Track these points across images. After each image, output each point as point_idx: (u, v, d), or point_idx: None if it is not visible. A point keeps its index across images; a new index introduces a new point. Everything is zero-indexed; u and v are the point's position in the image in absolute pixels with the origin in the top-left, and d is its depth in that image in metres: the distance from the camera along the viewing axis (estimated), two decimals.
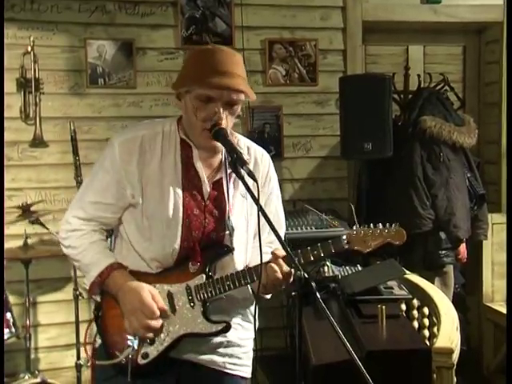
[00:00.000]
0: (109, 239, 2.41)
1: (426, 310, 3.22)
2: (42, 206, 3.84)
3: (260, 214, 1.93)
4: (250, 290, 2.26)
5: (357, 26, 4.46)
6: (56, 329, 4.07)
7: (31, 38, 3.84)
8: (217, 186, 2.19)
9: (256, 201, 1.94)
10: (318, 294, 1.93)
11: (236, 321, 2.25)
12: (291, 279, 2.12)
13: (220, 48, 2.11)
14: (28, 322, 3.66)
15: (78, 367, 3.83)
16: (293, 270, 2.09)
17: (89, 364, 2.21)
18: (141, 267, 2.15)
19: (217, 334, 2.15)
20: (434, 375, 2.55)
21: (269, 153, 4.18)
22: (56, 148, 4.02)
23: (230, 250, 2.17)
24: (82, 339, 3.83)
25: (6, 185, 3.94)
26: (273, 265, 2.08)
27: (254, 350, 4.18)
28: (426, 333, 3.18)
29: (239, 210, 2.20)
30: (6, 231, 3.74)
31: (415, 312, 3.29)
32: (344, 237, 2.19)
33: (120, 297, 2.10)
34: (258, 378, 3.35)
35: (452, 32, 4.82)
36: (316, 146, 4.43)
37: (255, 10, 4.29)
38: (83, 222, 2.17)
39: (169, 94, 4.10)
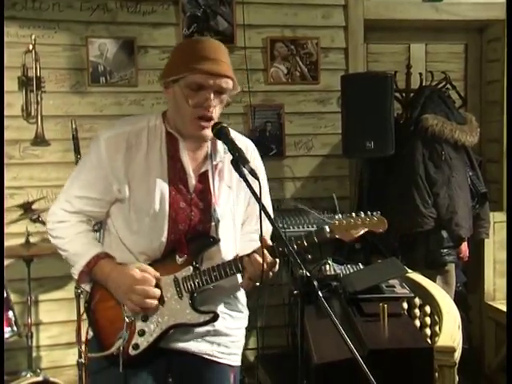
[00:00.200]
0: (97, 233, 2.43)
1: (427, 309, 3.22)
2: (44, 205, 3.81)
3: (259, 211, 1.95)
4: (239, 280, 2.28)
5: (358, 24, 4.46)
6: (58, 327, 4.07)
7: (33, 37, 3.83)
8: (202, 178, 2.23)
9: (258, 200, 1.96)
10: (320, 293, 1.95)
11: (224, 310, 2.30)
12: (276, 268, 2.19)
13: (206, 38, 2.16)
14: (30, 320, 3.65)
15: (80, 365, 3.83)
16: (277, 260, 2.16)
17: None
18: (128, 260, 2.19)
19: (205, 324, 2.21)
20: (436, 374, 2.55)
21: (270, 151, 4.35)
22: (57, 146, 4.02)
23: (216, 240, 2.21)
24: (84, 337, 3.86)
25: (8, 183, 3.94)
26: (257, 256, 2.12)
27: (255, 349, 4.20)
28: (428, 331, 3.18)
29: (225, 201, 2.24)
30: (8, 229, 3.74)
31: (417, 311, 3.29)
32: (327, 226, 2.23)
33: (110, 283, 2.16)
34: (259, 377, 3.34)
35: (454, 30, 4.81)
36: (317, 145, 4.43)
37: (257, 8, 4.28)
38: (70, 214, 2.22)
39: None
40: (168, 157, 2.19)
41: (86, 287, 2.25)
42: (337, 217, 2.31)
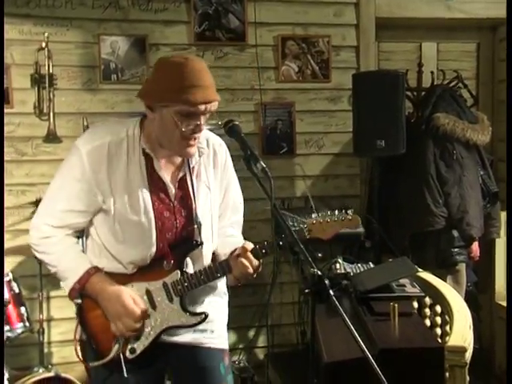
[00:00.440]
0: (79, 239, 2.40)
1: (438, 308, 3.21)
2: None
3: (271, 210, 2.03)
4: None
5: (370, 22, 4.45)
6: (68, 323, 4.06)
7: (45, 34, 3.85)
8: (181, 183, 2.28)
9: (270, 198, 2.02)
10: (331, 292, 1.95)
11: (210, 299, 2.39)
12: (260, 269, 2.26)
13: (188, 59, 2.12)
14: (41, 316, 3.67)
15: None
16: (260, 261, 2.25)
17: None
18: (116, 268, 2.24)
19: (196, 324, 2.29)
20: (447, 374, 2.54)
21: (281, 149, 4.36)
22: (69, 143, 3.94)
23: (200, 243, 2.28)
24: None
25: (20, 180, 3.97)
26: (243, 260, 2.20)
27: (265, 347, 4.21)
28: (438, 331, 3.17)
29: (204, 202, 2.30)
30: (20, 226, 3.76)
31: (427, 310, 3.28)
32: (305, 226, 2.29)
33: (101, 301, 2.21)
34: (269, 375, 3.35)
35: (466, 29, 4.79)
36: (328, 143, 4.43)
37: (268, 6, 4.28)
38: (55, 229, 2.22)
39: None
40: (146, 168, 2.21)
41: (78, 301, 2.25)
42: (313, 216, 2.32)
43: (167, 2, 4.14)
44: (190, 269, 2.29)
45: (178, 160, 2.27)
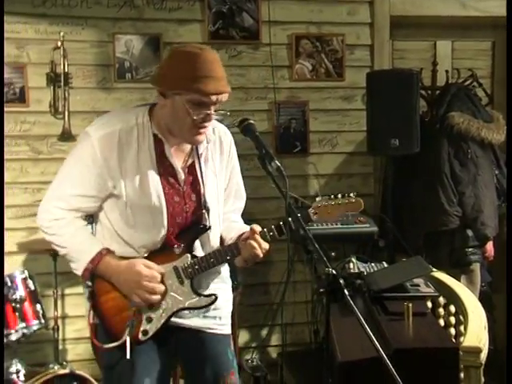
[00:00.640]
0: (89, 225, 2.46)
1: (452, 308, 3.20)
2: None
3: (285, 207, 2.09)
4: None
5: (384, 20, 4.44)
6: (83, 321, 4.08)
7: (61, 33, 3.88)
8: (191, 169, 2.35)
9: (285, 196, 2.06)
10: (346, 291, 1.96)
11: (217, 286, 2.45)
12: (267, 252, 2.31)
13: (203, 49, 2.18)
14: (56, 313, 3.69)
15: None
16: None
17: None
18: (127, 253, 2.29)
19: (207, 306, 2.37)
20: (462, 374, 2.53)
21: (294, 148, 4.35)
22: None
23: (209, 228, 2.35)
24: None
25: (36, 178, 3.99)
26: (252, 242, 2.26)
27: (278, 346, 4.22)
28: (452, 331, 3.16)
29: (212, 188, 2.38)
30: (35, 224, 3.75)
31: (441, 310, 3.27)
32: (311, 209, 2.34)
33: (116, 278, 2.25)
34: (283, 375, 3.35)
35: (481, 27, 4.76)
36: (342, 142, 4.42)
37: (282, 4, 4.28)
38: (66, 212, 2.26)
39: None
40: (156, 154, 2.27)
41: (89, 283, 2.30)
42: (317, 199, 2.37)
43: (181, 1, 4.15)
44: (198, 252, 2.35)
45: (187, 147, 2.33)
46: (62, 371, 3.24)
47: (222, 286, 2.49)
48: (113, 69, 4.09)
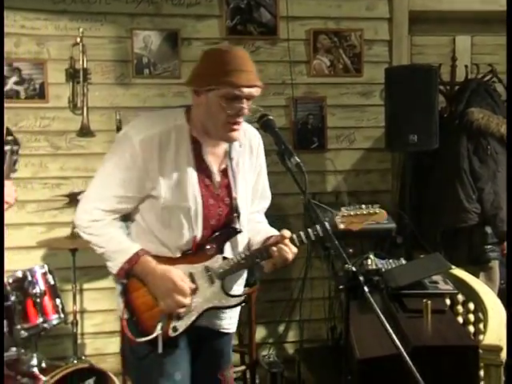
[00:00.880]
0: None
1: (471, 306, 3.18)
2: None
3: (306, 203, 2.12)
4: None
5: (403, 15, 4.41)
6: (101, 315, 4.15)
7: (80, 30, 3.91)
8: (224, 173, 2.39)
9: (304, 192, 2.10)
10: (366, 289, 1.95)
11: (239, 287, 2.51)
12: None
13: (232, 47, 2.35)
14: (75, 308, 3.73)
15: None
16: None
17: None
18: (161, 252, 2.34)
19: (236, 306, 2.45)
20: (482, 372, 2.52)
21: (312, 144, 4.35)
22: (102, 137, 4.07)
23: (239, 231, 2.41)
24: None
25: (55, 173, 4.03)
26: (283, 247, 2.31)
27: (296, 342, 4.19)
28: (471, 328, 3.15)
29: (242, 192, 2.43)
30: (55, 219, 3.80)
31: (460, 307, 3.25)
32: (338, 218, 2.43)
33: (150, 281, 2.30)
34: (301, 371, 3.36)
35: (501, 21, 4.69)
36: (360, 138, 4.41)
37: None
38: (105, 213, 2.30)
39: None
40: (194, 157, 2.32)
41: (124, 281, 2.34)
42: (343, 209, 2.47)
43: None
44: (227, 253, 2.40)
45: (221, 151, 2.38)
46: (82, 365, 3.25)
47: (241, 287, 2.53)
48: (131, 64, 4.10)
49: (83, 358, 3.63)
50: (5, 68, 3.92)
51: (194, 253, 2.36)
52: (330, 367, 3.23)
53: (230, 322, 2.53)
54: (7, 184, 2.20)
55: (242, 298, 2.45)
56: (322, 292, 4.04)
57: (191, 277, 2.34)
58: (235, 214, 2.39)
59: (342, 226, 2.42)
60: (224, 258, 2.38)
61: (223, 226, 2.39)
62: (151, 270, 2.29)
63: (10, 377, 3.10)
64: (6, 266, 3.54)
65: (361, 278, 1.99)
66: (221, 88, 2.18)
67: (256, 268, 2.51)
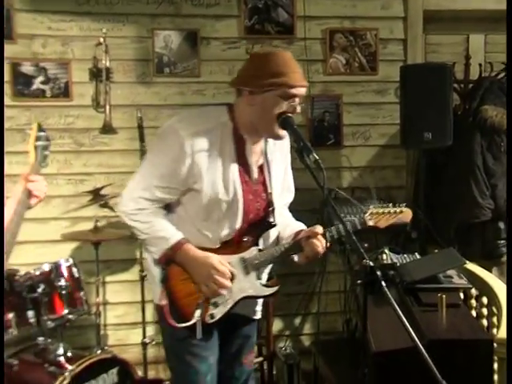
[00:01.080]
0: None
1: (484, 300, 3.17)
2: (111, 190, 3.90)
3: (324, 199, 2.18)
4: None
5: (418, 15, 4.39)
6: (123, 307, 4.18)
7: (103, 30, 3.90)
8: (260, 170, 2.48)
9: (322, 188, 2.15)
10: (383, 283, 1.96)
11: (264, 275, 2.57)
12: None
13: (280, 51, 2.45)
14: (98, 299, 3.75)
15: (144, 345, 3.93)
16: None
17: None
18: (201, 242, 2.40)
19: (270, 296, 2.54)
20: (496, 366, 2.51)
21: (328, 141, 4.34)
22: (124, 135, 4.09)
23: (274, 225, 2.50)
24: (147, 318, 3.97)
25: (78, 169, 4.05)
26: (315, 241, 2.41)
27: (312, 334, 4.17)
28: (485, 322, 3.13)
29: (276, 188, 2.51)
30: (78, 213, 3.83)
31: (473, 301, 3.24)
32: (367, 215, 2.57)
33: (191, 267, 2.37)
34: (317, 363, 3.36)
35: None
36: (375, 135, 4.40)
37: None
38: (150, 202, 2.36)
39: None
40: (236, 153, 2.38)
41: (164, 266, 2.41)
42: (371, 207, 2.62)
43: None
44: (260, 246, 2.48)
45: (259, 148, 2.46)
46: (105, 356, 3.28)
47: (265, 276, 2.58)
48: (152, 63, 4.11)
49: (106, 348, 3.66)
50: (32, 68, 3.96)
51: (231, 244, 2.43)
52: (345, 359, 3.23)
53: (258, 309, 2.63)
54: (38, 179, 2.21)
55: (276, 288, 2.51)
56: (337, 285, 4.05)
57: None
58: (270, 209, 2.47)
59: (370, 223, 2.55)
60: (259, 250, 2.46)
61: (259, 220, 2.47)
62: (192, 257, 2.36)
63: (38, 364, 3.15)
64: (33, 259, 3.62)
65: (378, 273, 2.00)
66: (278, 88, 2.27)
67: (287, 261, 2.53)
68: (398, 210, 2.64)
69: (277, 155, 2.52)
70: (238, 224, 2.41)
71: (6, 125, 3.96)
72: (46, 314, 3.15)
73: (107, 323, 4.15)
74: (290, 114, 2.32)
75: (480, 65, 4.42)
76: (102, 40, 3.90)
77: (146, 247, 2.46)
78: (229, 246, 2.43)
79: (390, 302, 1.92)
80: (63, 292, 3.23)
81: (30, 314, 3.11)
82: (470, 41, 4.72)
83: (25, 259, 3.42)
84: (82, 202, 3.75)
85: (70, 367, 3.07)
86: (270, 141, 2.47)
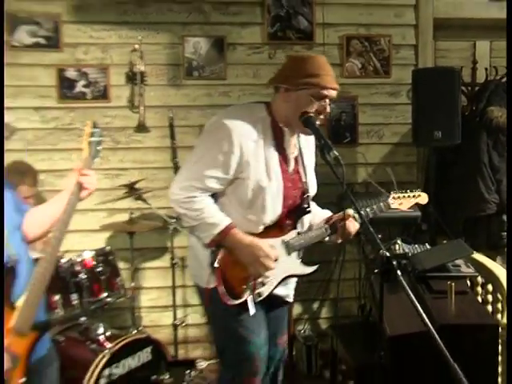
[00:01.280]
0: None
1: (489, 287, 3.17)
2: (144, 184, 3.93)
3: (344, 192, 2.21)
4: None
5: (428, 22, 4.37)
6: (156, 292, 4.22)
7: (139, 38, 3.96)
8: (296, 161, 2.52)
9: (341, 183, 2.16)
10: (399, 272, 1.98)
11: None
12: None
13: (316, 55, 2.44)
14: (133, 284, 3.79)
15: (175, 326, 3.98)
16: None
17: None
18: (246, 227, 2.42)
19: (311, 274, 2.58)
20: (500, 349, 2.52)
21: (344, 139, 4.35)
22: (156, 133, 4.13)
23: (309, 211, 2.56)
24: (177, 302, 4.02)
25: (115, 165, 4.09)
26: (349, 223, 2.50)
27: (329, 318, 4.17)
28: (490, 308, 3.14)
29: (309, 177, 2.57)
30: (115, 205, 3.87)
31: (479, 288, 3.24)
32: (391, 199, 2.68)
33: (239, 250, 2.39)
34: (334, 345, 3.38)
35: None
36: (388, 134, 4.40)
37: (334, 8, 4.25)
38: (200, 191, 2.38)
39: (254, 85, 4.17)
40: (276, 145, 2.42)
41: (213, 249, 2.43)
42: (392, 192, 2.73)
43: (243, 6, 4.17)
44: (298, 229, 2.54)
45: (294, 142, 2.50)
46: (140, 336, 3.33)
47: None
48: (182, 68, 4.13)
49: (140, 328, 3.69)
50: (75, 73, 4.01)
51: (273, 228, 2.46)
52: (360, 341, 3.25)
53: (292, 293, 2.66)
54: (90, 173, 2.23)
55: (316, 267, 2.56)
56: (352, 273, 4.06)
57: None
58: (306, 196, 2.53)
59: (393, 206, 2.65)
60: (298, 234, 2.51)
61: (297, 206, 2.51)
62: (240, 241, 2.38)
63: (81, 342, 3.22)
64: (74, 247, 3.66)
65: (394, 263, 2.02)
66: (311, 88, 2.32)
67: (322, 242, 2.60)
68: (416, 193, 2.73)
69: (307, 152, 2.57)
70: (279, 209, 2.43)
71: (52, 124, 4.04)
72: (88, 297, 3.20)
73: (141, 306, 4.19)
74: (312, 114, 2.34)
75: (486, 69, 4.41)
76: (137, 46, 3.96)
77: (195, 233, 2.45)
78: (271, 230, 2.45)
79: (405, 290, 1.94)
80: (102, 277, 3.29)
81: (74, 296, 3.17)
82: (477, 47, 4.69)
83: (68, 247, 3.47)
84: (118, 195, 3.78)
85: (109, 345, 3.13)
86: (302, 137, 2.51)
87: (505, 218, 3.95)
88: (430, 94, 3.83)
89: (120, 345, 3.13)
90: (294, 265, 2.52)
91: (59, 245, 2.10)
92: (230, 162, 2.33)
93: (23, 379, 2.04)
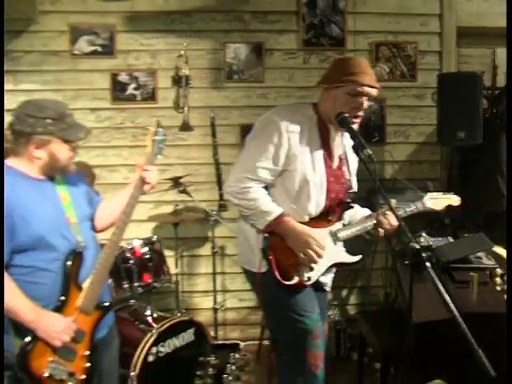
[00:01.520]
0: None
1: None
2: (188, 179, 3.96)
3: (376, 188, 2.18)
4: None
5: (452, 30, 4.32)
6: (197, 278, 4.26)
7: (184, 44, 3.99)
8: (340, 158, 2.51)
9: (374, 180, 2.15)
10: (428, 264, 1.97)
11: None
12: None
13: (357, 57, 2.45)
14: (177, 270, 3.83)
15: (215, 310, 4.01)
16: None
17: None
18: (292, 217, 2.40)
19: (356, 263, 2.56)
20: None
21: (373, 138, 4.33)
22: (199, 132, 4.16)
23: (352, 206, 2.57)
24: (217, 287, 4.05)
25: (161, 161, 3.97)
26: (390, 217, 2.46)
27: (357, 304, 4.15)
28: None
29: (351, 174, 2.55)
30: (161, 198, 3.90)
31: (498, 279, 3.19)
32: (427, 199, 2.65)
33: (291, 237, 2.38)
34: (361, 330, 3.38)
35: None
36: (414, 134, 4.36)
37: (365, 17, 4.23)
38: (253, 182, 2.37)
39: (290, 88, 4.17)
40: (321, 142, 2.41)
41: (266, 235, 2.41)
42: (428, 193, 2.73)
43: (280, 15, 4.17)
44: (344, 221, 2.54)
45: (339, 141, 2.50)
46: (184, 318, 3.35)
47: None
48: (223, 71, 4.15)
49: (184, 311, 3.74)
50: (126, 77, 4.07)
51: (319, 219, 2.45)
52: (385, 326, 3.24)
53: (330, 282, 2.66)
54: (152, 168, 2.28)
55: (361, 256, 2.56)
56: (379, 263, 4.04)
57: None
58: (349, 191, 2.52)
59: (430, 206, 2.64)
60: (343, 225, 2.52)
61: (340, 200, 2.50)
62: (293, 228, 2.37)
63: (131, 322, 3.26)
64: (124, 236, 3.69)
65: (423, 255, 2.00)
66: (347, 85, 2.29)
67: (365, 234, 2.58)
68: (449, 196, 2.73)
69: (350, 151, 2.47)
70: (322, 202, 2.42)
71: (106, 123, 4.10)
72: (137, 282, 3.23)
73: (184, 290, 4.22)
74: (347, 115, 2.31)
75: (505, 74, 4.33)
76: (182, 52, 3.99)
77: (250, 221, 2.44)
78: (317, 221, 2.44)
79: (434, 280, 1.93)
80: (149, 264, 3.30)
81: (124, 281, 3.21)
82: (497, 53, 4.61)
83: None
84: (164, 188, 3.83)
85: (156, 325, 3.15)
86: (347, 136, 2.47)
87: None
88: (453, 97, 3.78)
89: (166, 326, 3.16)
90: (340, 254, 2.51)
91: (122, 234, 2.14)
92: (279, 153, 2.34)
93: (87, 352, 2.10)
